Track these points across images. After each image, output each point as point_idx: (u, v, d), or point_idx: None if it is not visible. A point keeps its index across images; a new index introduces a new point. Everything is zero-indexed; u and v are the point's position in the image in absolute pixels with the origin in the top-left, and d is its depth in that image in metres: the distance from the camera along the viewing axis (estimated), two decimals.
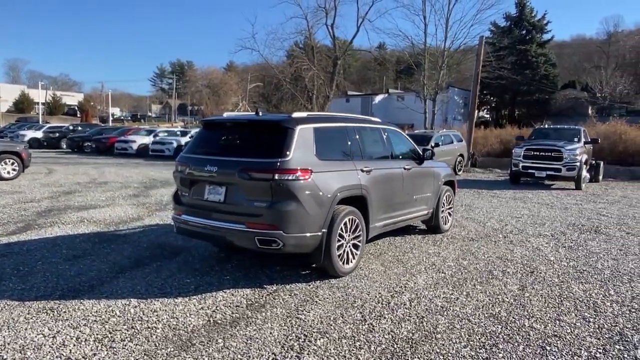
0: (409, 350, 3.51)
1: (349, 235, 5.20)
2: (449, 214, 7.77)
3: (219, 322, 3.98)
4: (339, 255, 5.06)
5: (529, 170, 14.63)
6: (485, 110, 54.05)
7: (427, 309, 4.32)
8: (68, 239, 6.63)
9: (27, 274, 5.09)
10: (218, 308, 4.26)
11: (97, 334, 3.68)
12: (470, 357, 3.42)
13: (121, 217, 8.37)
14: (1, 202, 9.49)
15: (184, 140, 24.47)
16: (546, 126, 19.07)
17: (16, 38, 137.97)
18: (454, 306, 4.39)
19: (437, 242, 6.90)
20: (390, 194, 6.04)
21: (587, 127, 19.26)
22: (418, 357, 3.41)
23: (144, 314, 4.08)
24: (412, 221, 7.01)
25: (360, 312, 4.21)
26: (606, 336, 3.81)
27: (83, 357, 3.33)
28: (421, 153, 6.89)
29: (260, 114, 5.25)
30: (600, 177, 16.59)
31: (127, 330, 3.76)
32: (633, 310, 4.39)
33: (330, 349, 3.51)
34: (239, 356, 3.38)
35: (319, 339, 3.66)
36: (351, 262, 5.27)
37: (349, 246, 5.23)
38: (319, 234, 4.83)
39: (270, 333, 3.76)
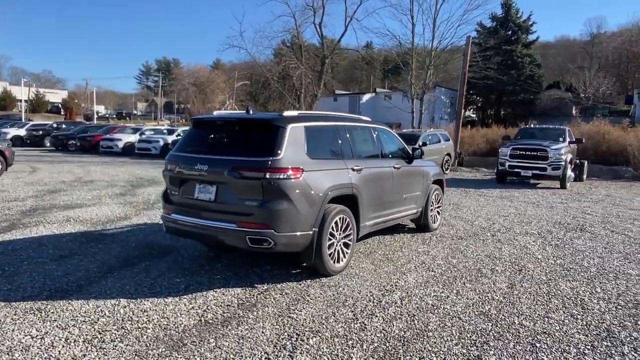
0: (402, 349, 3.52)
1: (339, 234, 5.21)
2: (438, 212, 7.82)
3: (210, 321, 3.95)
4: (329, 254, 5.06)
5: (515, 170, 14.80)
6: (472, 110, 54.53)
7: (418, 307, 4.35)
8: (54, 239, 6.53)
9: (12, 274, 5.00)
10: (209, 307, 4.23)
11: (86, 335, 3.63)
12: (462, 354, 3.45)
13: (108, 216, 8.27)
14: None
15: (170, 138, 24.29)
16: (532, 126, 19.30)
17: None
18: (445, 304, 4.43)
19: (427, 241, 6.95)
20: (381, 192, 6.06)
21: (571, 127, 19.53)
22: (410, 355, 3.42)
23: (134, 314, 4.03)
24: (402, 220, 7.04)
25: (352, 311, 4.22)
26: (594, 333, 3.87)
27: (72, 358, 3.28)
28: (411, 152, 6.92)
29: (251, 112, 5.22)
30: (585, 176, 16.86)
31: (117, 331, 3.71)
32: (619, 307, 4.46)
33: (323, 348, 3.51)
34: (232, 356, 3.36)
35: (312, 338, 3.65)
36: (342, 260, 5.28)
37: (340, 245, 5.24)
38: (310, 232, 4.83)
39: (262, 332, 3.75)
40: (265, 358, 3.35)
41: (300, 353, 3.42)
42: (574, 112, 42.85)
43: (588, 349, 3.58)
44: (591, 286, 5.06)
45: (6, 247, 6.00)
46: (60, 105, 71.96)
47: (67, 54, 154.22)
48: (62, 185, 12.10)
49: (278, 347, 3.50)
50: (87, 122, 45.07)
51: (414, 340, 3.66)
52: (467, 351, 3.50)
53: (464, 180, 16.81)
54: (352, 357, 3.39)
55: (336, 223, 5.12)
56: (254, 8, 56.90)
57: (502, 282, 5.13)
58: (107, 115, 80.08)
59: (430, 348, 3.54)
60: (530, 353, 3.49)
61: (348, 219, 5.31)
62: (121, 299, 4.36)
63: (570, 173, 14.76)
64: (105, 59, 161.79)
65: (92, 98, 67.26)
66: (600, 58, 59.37)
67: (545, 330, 3.88)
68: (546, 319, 4.12)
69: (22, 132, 30.84)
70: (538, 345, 3.62)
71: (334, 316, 4.09)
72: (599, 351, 3.55)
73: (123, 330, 3.73)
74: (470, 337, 3.74)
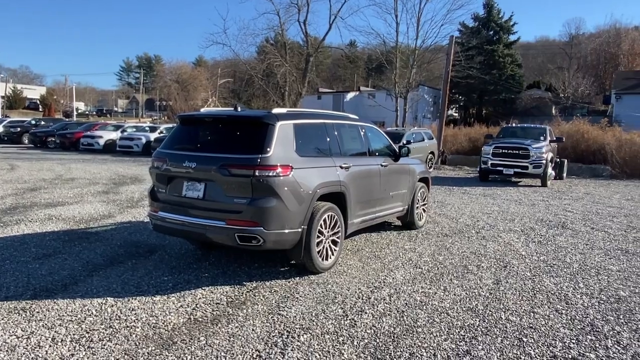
0: (392, 345, 3.55)
1: (328, 231, 5.22)
2: (424, 210, 7.89)
3: (200, 319, 3.93)
4: (318, 252, 5.07)
5: (498, 168, 15.00)
6: (454, 109, 55.08)
7: (406, 303, 4.39)
8: (37, 237, 6.41)
9: None
10: (198, 306, 4.21)
11: (73, 334, 3.58)
12: (451, 349, 3.50)
13: (91, 214, 8.14)
14: None
15: (153, 136, 23.96)
16: (513, 125, 19.59)
17: None
18: (433, 300, 4.48)
19: (413, 238, 7.01)
20: (368, 190, 6.09)
21: (552, 126, 19.88)
22: (401, 351, 3.46)
23: (121, 313, 3.99)
24: (389, 217, 7.09)
25: (342, 308, 4.24)
26: (578, 327, 3.96)
27: (60, 358, 3.23)
28: (397, 150, 6.97)
29: (239, 109, 5.20)
30: (565, 175, 17.17)
31: (105, 330, 3.67)
32: (602, 302, 4.57)
33: (313, 345, 3.52)
34: (223, 354, 3.35)
35: (302, 335, 3.66)
36: (330, 258, 5.29)
37: (328, 242, 5.25)
38: (299, 230, 4.83)
39: (253, 330, 3.74)
40: (257, 355, 3.34)
41: (292, 350, 3.42)
42: (553, 111, 43.64)
43: (573, 343, 3.66)
44: (574, 282, 5.17)
45: None
46: (38, 102, 70.54)
47: (45, 49, 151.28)
48: (42, 183, 11.86)
49: (269, 345, 3.50)
50: (67, 119, 44.24)
51: (404, 336, 3.69)
52: (457, 346, 3.55)
53: (447, 178, 16.98)
54: (343, 354, 3.40)
55: (325, 220, 5.13)
56: (237, 4, 56.56)
57: (488, 278, 5.21)
58: (87, 112, 78.77)
59: (420, 344, 3.58)
60: (517, 347, 3.56)
61: (336, 217, 5.32)
62: (108, 298, 4.30)
63: (551, 171, 15.02)
64: (85, 54, 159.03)
65: (71, 94, 66.00)
66: (579, 59, 60.41)
67: (531, 325, 3.96)
68: (532, 314, 4.20)
69: None
70: (525, 339, 3.69)
71: (323, 313, 4.11)
72: (583, 345, 3.63)
73: (111, 329, 3.69)
74: (459, 332, 3.79)
